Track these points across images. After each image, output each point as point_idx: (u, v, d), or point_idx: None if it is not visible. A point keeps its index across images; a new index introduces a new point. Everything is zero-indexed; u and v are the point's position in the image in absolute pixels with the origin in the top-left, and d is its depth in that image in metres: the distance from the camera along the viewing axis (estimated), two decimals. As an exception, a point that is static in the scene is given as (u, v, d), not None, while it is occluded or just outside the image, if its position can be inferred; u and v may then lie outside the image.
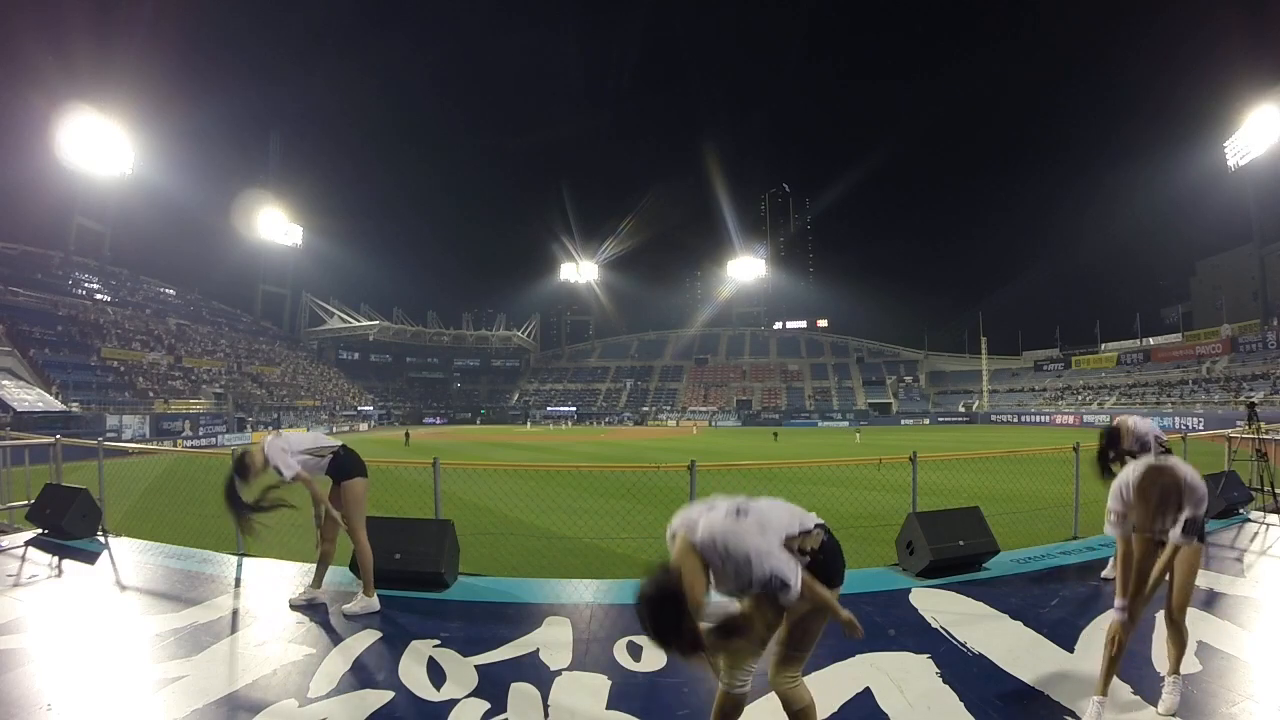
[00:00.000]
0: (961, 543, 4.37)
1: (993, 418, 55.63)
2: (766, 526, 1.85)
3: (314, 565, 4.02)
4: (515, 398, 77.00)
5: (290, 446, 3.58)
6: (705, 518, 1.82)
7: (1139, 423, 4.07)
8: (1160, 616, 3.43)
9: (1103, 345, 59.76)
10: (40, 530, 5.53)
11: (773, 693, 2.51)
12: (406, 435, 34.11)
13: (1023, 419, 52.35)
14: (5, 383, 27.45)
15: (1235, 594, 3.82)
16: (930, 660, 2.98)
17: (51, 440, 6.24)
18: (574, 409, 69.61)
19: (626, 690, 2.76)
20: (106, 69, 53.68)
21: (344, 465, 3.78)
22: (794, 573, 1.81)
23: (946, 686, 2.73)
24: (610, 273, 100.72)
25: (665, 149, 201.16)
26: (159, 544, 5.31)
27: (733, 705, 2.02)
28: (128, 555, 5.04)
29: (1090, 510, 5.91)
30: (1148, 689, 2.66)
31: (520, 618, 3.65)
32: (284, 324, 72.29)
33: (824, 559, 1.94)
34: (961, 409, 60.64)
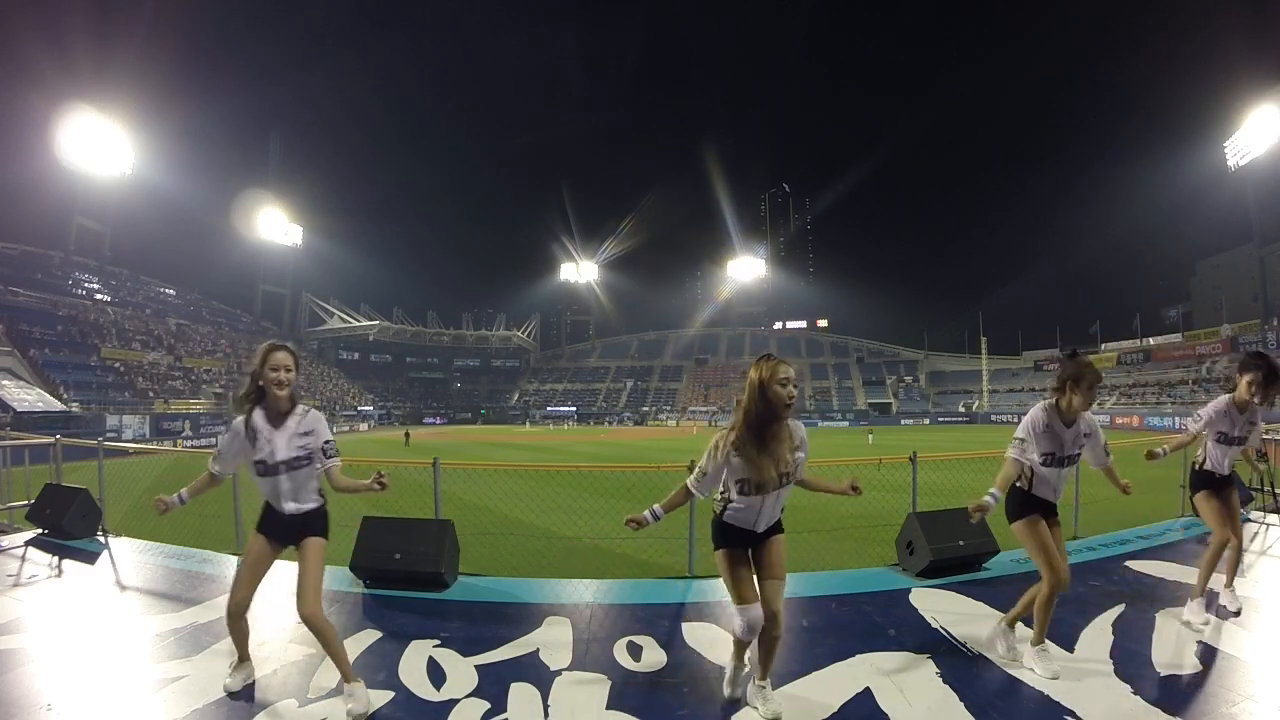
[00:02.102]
0: (961, 543, 4.37)
1: (993, 418, 55.62)
2: None
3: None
4: (515, 398, 77.00)
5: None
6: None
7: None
8: (1160, 615, 3.45)
9: (1103, 345, 59.77)
10: (40, 530, 5.53)
11: (773, 693, 2.58)
12: (406, 435, 34.11)
13: (1023, 419, 52.26)
14: (5, 383, 27.46)
15: (1235, 594, 3.81)
16: (930, 660, 2.98)
17: (51, 440, 6.24)
18: (574, 409, 69.62)
19: (626, 690, 2.76)
20: (106, 69, 53.84)
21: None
22: None
23: (946, 686, 2.73)
24: (610, 273, 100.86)
25: (665, 149, 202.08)
26: (159, 544, 5.30)
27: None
28: (128, 555, 5.04)
29: (1090, 510, 5.90)
30: (1147, 689, 2.66)
31: (520, 618, 3.64)
32: (284, 324, 72.26)
33: None
34: (961, 409, 60.65)
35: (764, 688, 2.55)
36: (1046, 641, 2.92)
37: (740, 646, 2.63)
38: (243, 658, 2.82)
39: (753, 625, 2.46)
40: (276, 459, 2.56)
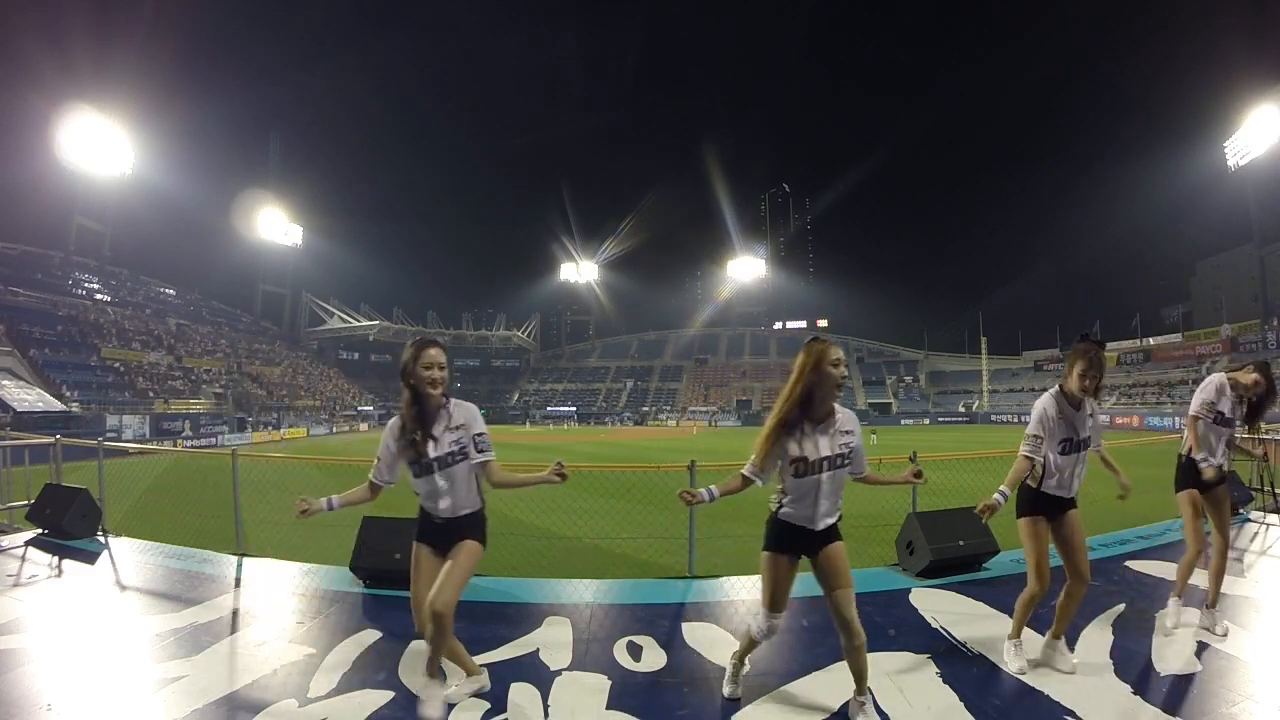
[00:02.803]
0: (961, 543, 4.37)
1: (993, 418, 55.60)
2: None
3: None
4: (515, 398, 76.99)
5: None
6: None
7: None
8: (1160, 615, 3.45)
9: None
10: (40, 530, 5.53)
11: (773, 693, 2.58)
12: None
13: (1023, 419, 52.08)
14: (5, 383, 27.45)
15: (1235, 594, 3.81)
16: (930, 660, 2.98)
17: (51, 440, 6.24)
18: (574, 409, 69.58)
19: (626, 690, 2.76)
20: (106, 69, 53.74)
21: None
22: None
23: (946, 686, 2.73)
24: (610, 273, 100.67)
25: (665, 149, 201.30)
26: (159, 544, 5.31)
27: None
28: (128, 555, 5.04)
29: (1090, 510, 5.89)
30: (1147, 689, 2.66)
31: (520, 618, 3.64)
32: (284, 324, 72.22)
33: None
34: (961, 409, 60.61)
35: (863, 703, 2.46)
36: (1022, 638, 2.94)
37: (750, 646, 2.62)
38: (469, 671, 2.69)
39: (772, 632, 2.49)
40: (431, 455, 2.43)
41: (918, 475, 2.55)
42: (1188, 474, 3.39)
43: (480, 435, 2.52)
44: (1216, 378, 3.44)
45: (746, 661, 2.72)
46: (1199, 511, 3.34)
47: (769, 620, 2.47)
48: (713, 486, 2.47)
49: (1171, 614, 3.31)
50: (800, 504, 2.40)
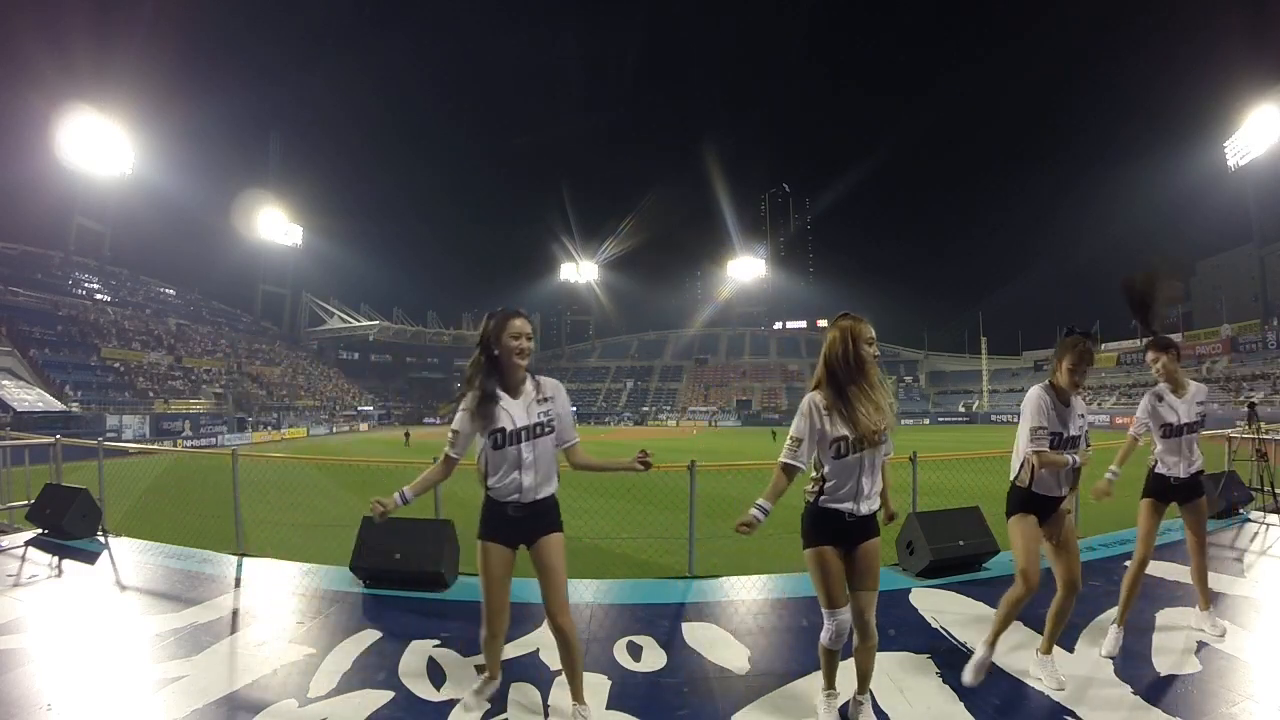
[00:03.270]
0: (961, 543, 4.37)
1: (993, 418, 55.59)
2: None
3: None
4: (515, 398, 76.95)
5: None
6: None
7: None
8: (1160, 615, 3.45)
9: (1103, 345, 59.56)
10: (40, 530, 5.53)
11: (773, 693, 2.57)
12: (406, 435, 34.08)
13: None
14: (5, 383, 27.46)
15: (1235, 594, 3.82)
16: (930, 660, 2.98)
17: (51, 440, 6.24)
18: (574, 409, 68.56)
19: (626, 690, 2.76)
20: (106, 69, 53.73)
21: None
22: None
23: (947, 686, 2.73)
24: (610, 273, 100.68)
25: (665, 149, 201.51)
26: (159, 544, 5.31)
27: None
28: (128, 555, 5.04)
29: (1090, 509, 5.89)
30: (1147, 689, 2.66)
31: (520, 618, 3.62)
32: (284, 324, 72.24)
33: None
34: (961, 409, 60.64)
35: (863, 704, 2.43)
36: (996, 640, 2.79)
37: (830, 657, 2.42)
38: (493, 675, 2.70)
39: (842, 631, 2.32)
40: (517, 425, 2.33)
41: (890, 519, 2.50)
42: (1149, 485, 3.29)
43: (572, 413, 2.53)
44: (1146, 396, 3.29)
45: (837, 686, 2.49)
46: (1155, 520, 3.23)
47: (835, 619, 2.31)
48: (760, 500, 2.25)
49: (1109, 641, 3.05)
50: (844, 486, 2.27)
